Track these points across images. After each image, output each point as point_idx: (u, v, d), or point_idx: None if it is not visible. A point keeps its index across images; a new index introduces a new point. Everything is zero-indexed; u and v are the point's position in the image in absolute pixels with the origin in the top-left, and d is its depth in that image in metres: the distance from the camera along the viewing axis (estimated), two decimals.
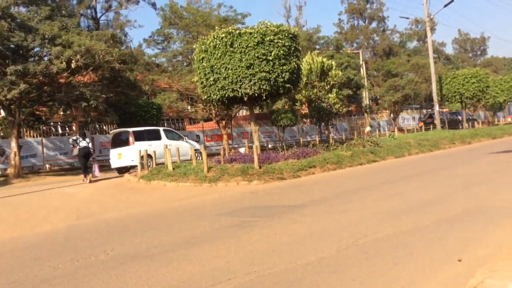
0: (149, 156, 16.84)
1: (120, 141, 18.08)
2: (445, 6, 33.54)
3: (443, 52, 72.12)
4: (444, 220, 6.24)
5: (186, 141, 19.71)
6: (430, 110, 41.72)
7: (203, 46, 15.79)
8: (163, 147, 16.65)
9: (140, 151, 16.53)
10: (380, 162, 16.69)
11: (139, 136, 17.87)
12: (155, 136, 18.66)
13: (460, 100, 35.10)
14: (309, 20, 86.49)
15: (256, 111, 28.25)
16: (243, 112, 38.55)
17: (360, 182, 11.43)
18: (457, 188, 8.98)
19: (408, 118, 49.49)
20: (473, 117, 44.10)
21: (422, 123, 36.98)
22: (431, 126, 34.04)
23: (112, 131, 20.89)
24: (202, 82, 16.21)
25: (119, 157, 17.70)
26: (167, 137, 18.92)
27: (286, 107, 32.31)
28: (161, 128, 19.84)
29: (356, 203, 8.23)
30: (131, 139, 17.57)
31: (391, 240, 5.40)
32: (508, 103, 46.58)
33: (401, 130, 40.05)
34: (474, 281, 3.66)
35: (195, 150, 16.49)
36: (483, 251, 4.64)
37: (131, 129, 18.20)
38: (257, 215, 7.71)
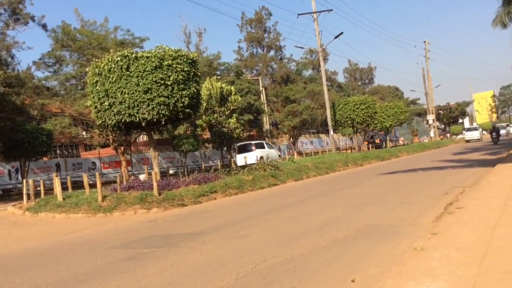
0: (261, 158, 27.01)
1: (244, 149, 29.59)
2: (335, 37, 35.95)
3: (336, 80, 76.60)
4: (339, 240, 6.40)
5: (275, 150, 33.24)
6: (371, 132, 49.51)
7: (96, 69, 15.07)
8: (266, 153, 29.16)
9: (257, 156, 27.88)
10: (281, 186, 17.05)
11: (256, 146, 29.72)
12: (262, 146, 30.76)
13: (352, 125, 37.42)
14: (210, 46, 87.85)
15: (156, 136, 27.54)
16: (144, 137, 37.44)
17: (261, 206, 11.49)
18: (351, 208, 9.37)
19: (307, 142, 51.61)
20: (396, 138, 49.51)
21: (366, 142, 45.92)
22: (373, 146, 44.09)
23: (238, 144, 31.05)
24: (96, 107, 15.40)
25: (245, 159, 26.86)
26: (267, 147, 31.29)
27: (188, 132, 31.98)
28: (264, 142, 33.67)
29: (256, 227, 8.20)
30: (253, 147, 29.33)
31: (290, 263, 5.39)
32: (394, 127, 50.94)
33: (300, 153, 41.61)
34: None
35: (279, 155, 32.06)
36: (375, 270, 4.79)
37: (252, 142, 31.09)
38: (154, 246, 7.32)
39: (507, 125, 59.64)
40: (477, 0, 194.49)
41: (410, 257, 4.80)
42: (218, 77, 32.39)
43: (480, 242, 4.91)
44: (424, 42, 60.50)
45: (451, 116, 79.24)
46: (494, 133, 36.76)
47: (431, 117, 59.91)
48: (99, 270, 5.93)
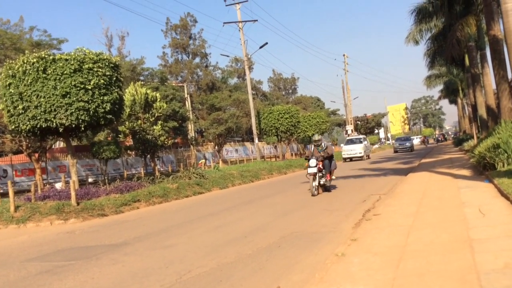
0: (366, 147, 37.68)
1: (352, 142, 37.04)
2: (260, 47, 36.69)
3: (260, 89, 77.97)
4: (264, 248, 6.48)
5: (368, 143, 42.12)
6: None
7: (10, 71, 14.15)
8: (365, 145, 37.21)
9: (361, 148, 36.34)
10: (206, 194, 16.95)
11: (361, 140, 37.27)
12: (365, 139, 39.02)
13: (276, 134, 38.17)
14: (133, 50, 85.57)
15: (75, 143, 26.25)
16: (61, 144, 35.52)
17: (186, 215, 11.34)
18: (276, 216, 9.52)
19: (232, 150, 51.83)
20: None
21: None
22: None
23: (347, 138, 40.61)
24: (9, 111, 14.46)
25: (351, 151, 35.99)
26: (368, 141, 41.55)
27: (109, 138, 30.81)
28: (365, 136, 42.60)
29: (181, 237, 8.07)
30: (361, 141, 37.19)
31: (215, 273, 5.36)
32: None
33: (225, 161, 41.69)
34: None
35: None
36: (298, 276, 4.90)
37: (360, 136, 40.02)
38: (73, 258, 6.95)
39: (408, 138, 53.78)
40: (392, 19, 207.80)
41: (332, 263, 4.97)
42: (142, 83, 31.55)
43: (396, 247, 5.20)
44: (344, 55, 63.29)
45: (368, 127, 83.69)
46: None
47: (350, 127, 62.73)
48: (12, 286, 5.52)
